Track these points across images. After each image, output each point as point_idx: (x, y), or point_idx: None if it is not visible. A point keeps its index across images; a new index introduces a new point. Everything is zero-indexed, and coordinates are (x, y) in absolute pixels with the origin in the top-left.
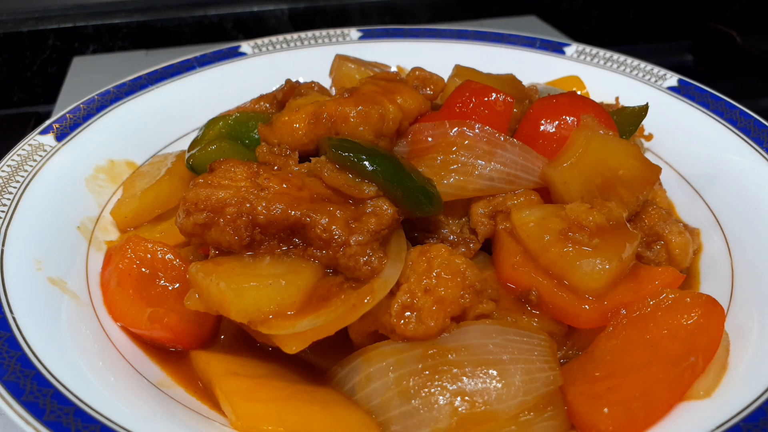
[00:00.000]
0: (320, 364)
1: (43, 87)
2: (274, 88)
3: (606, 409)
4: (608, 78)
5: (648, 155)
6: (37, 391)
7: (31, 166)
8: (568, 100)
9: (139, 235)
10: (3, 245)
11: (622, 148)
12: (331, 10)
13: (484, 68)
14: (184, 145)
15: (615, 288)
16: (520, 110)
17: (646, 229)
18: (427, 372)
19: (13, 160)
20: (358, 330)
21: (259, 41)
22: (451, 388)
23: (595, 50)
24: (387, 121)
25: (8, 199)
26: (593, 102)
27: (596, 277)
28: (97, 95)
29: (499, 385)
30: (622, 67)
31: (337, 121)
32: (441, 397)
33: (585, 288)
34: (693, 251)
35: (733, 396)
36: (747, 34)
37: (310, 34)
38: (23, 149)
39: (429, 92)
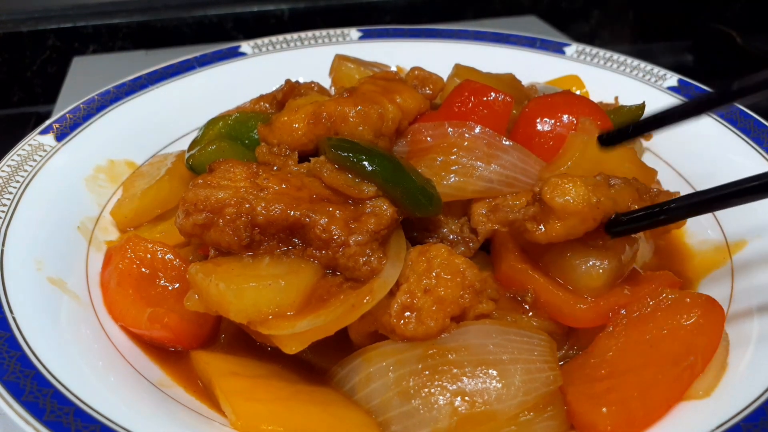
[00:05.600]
0: (320, 364)
1: (43, 87)
2: (274, 88)
3: (605, 409)
4: (608, 78)
5: (647, 155)
6: (37, 391)
7: (31, 166)
8: (564, 98)
9: (139, 235)
10: (3, 245)
11: (618, 153)
12: (331, 10)
13: (484, 68)
14: (184, 145)
15: (611, 289)
16: (519, 111)
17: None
18: (427, 372)
19: (13, 160)
20: (357, 330)
21: (259, 41)
22: (451, 388)
23: (595, 50)
24: (386, 121)
25: (8, 199)
26: (589, 101)
27: (595, 276)
28: (97, 95)
29: (499, 385)
30: (622, 67)
31: (336, 121)
32: (441, 397)
33: (583, 287)
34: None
35: (733, 396)
36: (747, 34)
37: (310, 34)
38: (23, 149)
39: (428, 92)
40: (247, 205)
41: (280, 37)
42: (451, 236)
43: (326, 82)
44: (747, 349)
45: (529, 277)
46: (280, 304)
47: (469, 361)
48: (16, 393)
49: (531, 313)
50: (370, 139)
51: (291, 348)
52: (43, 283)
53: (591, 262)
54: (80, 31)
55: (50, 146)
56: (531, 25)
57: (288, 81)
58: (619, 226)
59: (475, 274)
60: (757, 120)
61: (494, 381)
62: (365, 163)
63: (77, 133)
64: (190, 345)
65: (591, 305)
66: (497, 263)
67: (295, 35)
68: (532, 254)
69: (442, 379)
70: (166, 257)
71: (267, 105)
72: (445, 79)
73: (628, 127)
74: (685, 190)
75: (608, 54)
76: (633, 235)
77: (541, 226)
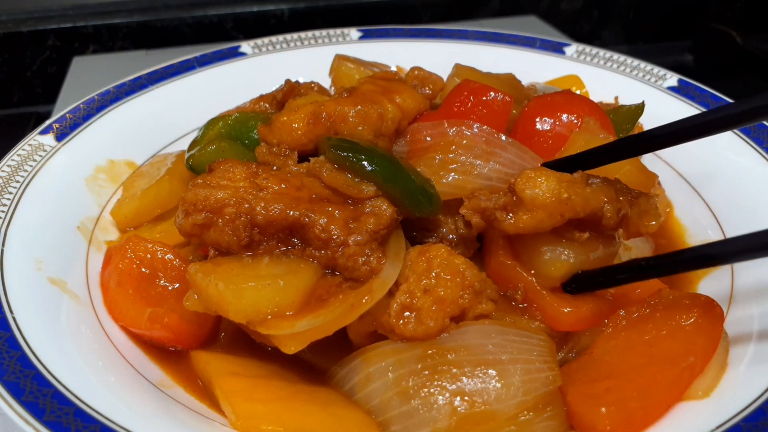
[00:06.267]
0: (320, 364)
1: (43, 87)
2: (273, 88)
3: (604, 409)
4: (608, 78)
5: (647, 154)
6: (37, 391)
7: (31, 166)
8: (564, 98)
9: (139, 235)
10: (3, 245)
11: None
12: (331, 10)
13: (484, 68)
14: (184, 145)
15: (595, 295)
16: (519, 111)
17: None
18: (426, 372)
19: (13, 160)
20: (357, 330)
21: (259, 41)
22: (450, 388)
23: (595, 50)
24: (386, 121)
25: (8, 199)
26: (589, 100)
27: (558, 265)
28: (97, 95)
29: (499, 385)
30: (622, 67)
31: (336, 120)
32: (440, 397)
33: (545, 274)
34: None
35: (732, 396)
36: (747, 34)
37: (310, 34)
38: (23, 149)
39: (428, 91)
40: (246, 205)
41: (280, 37)
42: (451, 236)
43: (326, 82)
44: (746, 350)
45: (517, 273)
46: (279, 304)
47: (469, 361)
48: (16, 393)
49: (527, 315)
50: (370, 139)
51: (290, 348)
52: (43, 283)
53: (557, 251)
54: (80, 31)
55: (50, 146)
56: (531, 25)
57: (288, 81)
58: (576, 284)
59: (475, 275)
60: None
61: (494, 381)
62: (365, 162)
63: (77, 133)
64: (190, 345)
65: (573, 310)
66: (487, 259)
67: (295, 35)
68: (519, 248)
69: (442, 379)
70: (166, 257)
71: (267, 105)
72: (444, 79)
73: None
74: (684, 190)
75: (608, 54)
76: (613, 235)
77: (510, 217)
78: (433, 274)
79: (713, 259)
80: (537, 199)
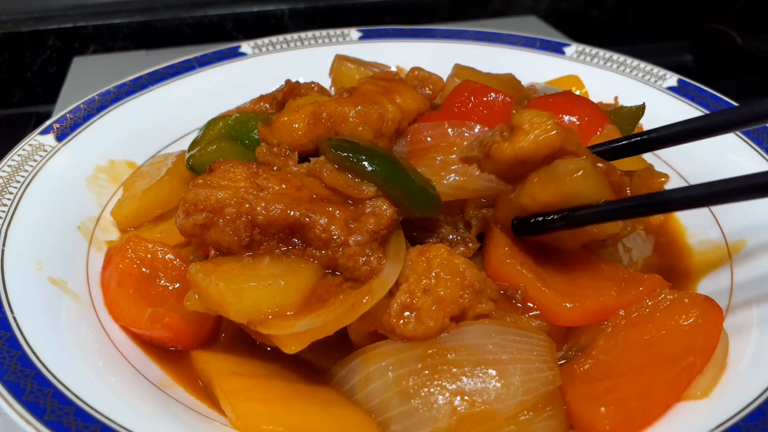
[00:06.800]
0: (320, 364)
1: (43, 87)
2: (274, 89)
3: (603, 409)
4: (608, 78)
5: (647, 155)
6: (37, 391)
7: (31, 166)
8: (564, 98)
9: (139, 235)
10: (3, 245)
11: (629, 160)
12: (331, 10)
13: (484, 68)
14: (184, 145)
15: (598, 291)
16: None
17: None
18: (426, 372)
19: (13, 160)
20: (357, 330)
21: (259, 41)
22: (450, 387)
23: (595, 50)
24: (386, 121)
25: (8, 199)
26: (589, 101)
27: (576, 171)
28: (97, 95)
29: (499, 385)
30: (622, 67)
31: (336, 121)
32: (440, 397)
33: (563, 179)
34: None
35: (732, 396)
36: (747, 34)
37: (310, 34)
38: (23, 149)
39: (428, 92)
40: (247, 205)
41: (280, 37)
42: (451, 236)
43: (326, 82)
44: (746, 349)
45: (517, 272)
46: (280, 304)
47: (469, 361)
48: (17, 393)
49: (529, 314)
50: (370, 139)
51: (290, 348)
52: (44, 283)
53: (569, 162)
54: (80, 31)
55: (51, 146)
56: (531, 25)
57: (288, 81)
58: (525, 227)
59: (475, 275)
60: None
61: (493, 381)
62: (365, 163)
63: (78, 133)
64: (190, 345)
65: (577, 305)
66: (487, 258)
67: (295, 35)
68: (522, 245)
69: (442, 378)
70: (167, 257)
71: (267, 105)
72: (445, 79)
73: None
74: None
75: (608, 54)
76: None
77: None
78: (433, 274)
79: (662, 206)
80: (534, 121)
